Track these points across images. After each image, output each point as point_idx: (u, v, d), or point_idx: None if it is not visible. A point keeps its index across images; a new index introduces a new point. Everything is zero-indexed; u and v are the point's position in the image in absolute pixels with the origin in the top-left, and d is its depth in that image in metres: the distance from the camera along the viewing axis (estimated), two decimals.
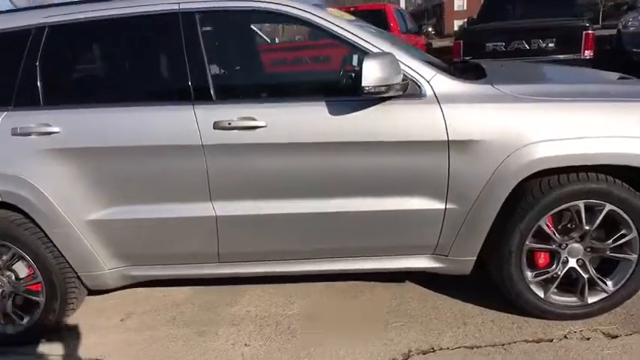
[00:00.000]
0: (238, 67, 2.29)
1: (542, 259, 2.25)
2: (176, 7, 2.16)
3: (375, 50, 2.10)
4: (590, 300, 2.23)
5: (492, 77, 2.31)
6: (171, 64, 2.16)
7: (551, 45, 6.50)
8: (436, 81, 2.11)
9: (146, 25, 2.19)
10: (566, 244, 2.21)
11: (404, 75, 2.07)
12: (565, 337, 2.18)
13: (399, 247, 2.28)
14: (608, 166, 2.06)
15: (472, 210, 2.14)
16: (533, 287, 2.24)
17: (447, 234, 2.21)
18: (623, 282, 2.21)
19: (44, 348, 2.40)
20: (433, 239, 2.22)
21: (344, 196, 2.17)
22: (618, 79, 2.59)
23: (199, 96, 2.14)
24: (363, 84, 1.89)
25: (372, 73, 1.90)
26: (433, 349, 2.18)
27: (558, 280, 2.23)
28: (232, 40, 2.25)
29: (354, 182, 2.15)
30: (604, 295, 2.23)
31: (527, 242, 2.17)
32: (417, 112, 2.07)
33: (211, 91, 2.14)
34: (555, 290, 2.28)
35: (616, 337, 2.16)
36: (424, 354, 2.15)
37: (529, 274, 2.23)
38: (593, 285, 2.23)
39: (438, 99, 2.08)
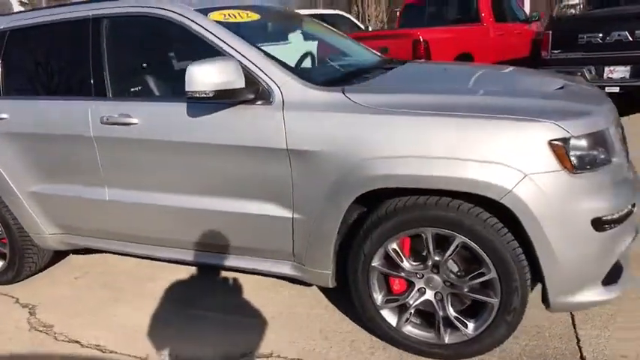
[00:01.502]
0: (129, 67, 2.50)
1: (397, 285, 2.05)
2: (89, 13, 2.47)
3: (237, 55, 2.12)
4: (448, 340, 1.97)
5: (367, 83, 2.14)
6: (82, 63, 2.47)
7: None
8: (287, 87, 2.05)
9: (71, 29, 2.54)
10: (423, 274, 1.98)
11: (256, 79, 2.07)
12: None
13: (261, 251, 2.29)
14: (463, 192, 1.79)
15: (315, 222, 2.05)
16: (385, 313, 2.06)
17: (299, 243, 2.15)
18: (484, 327, 1.90)
19: None
20: (288, 247, 2.19)
21: (204, 194, 2.27)
22: (558, 89, 2.14)
23: (98, 92, 2.43)
24: (186, 89, 1.95)
25: (201, 78, 1.93)
26: (271, 354, 2.17)
27: (410, 310, 2.01)
28: (124, 42, 2.46)
29: (211, 182, 2.23)
30: (464, 338, 1.95)
31: (373, 264, 2.00)
32: (263, 118, 2.05)
33: (106, 89, 2.41)
34: (415, 322, 2.06)
35: None
36: (260, 358, 2.16)
37: (379, 299, 2.05)
38: (451, 324, 1.96)
39: (283, 106, 2.03)
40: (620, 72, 5.57)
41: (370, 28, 8.87)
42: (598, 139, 1.80)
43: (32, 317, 2.66)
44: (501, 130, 1.73)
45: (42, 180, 2.68)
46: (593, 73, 5.74)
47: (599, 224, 1.75)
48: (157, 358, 2.21)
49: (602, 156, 1.83)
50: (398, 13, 9.05)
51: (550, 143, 1.70)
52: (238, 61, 2.07)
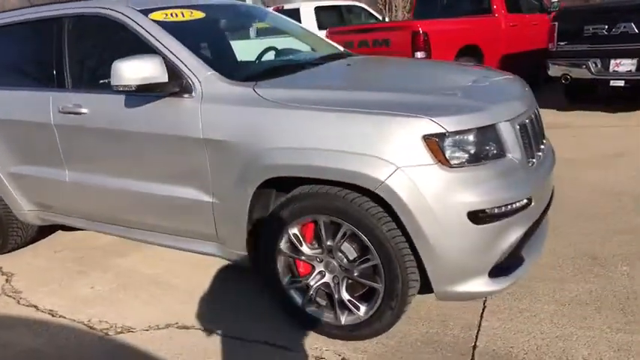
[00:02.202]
0: (83, 61, 2.73)
1: (302, 267, 2.19)
2: (54, 13, 2.73)
3: (166, 52, 2.30)
4: (344, 322, 2.10)
5: (285, 78, 2.28)
6: (48, 57, 2.74)
7: None
8: (206, 81, 2.22)
9: (39, 27, 2.82)
10: (322, 258, 2.11)
11: (181, 74, 2.25)
12: (311, 356, 2.11)
13: (191, 232, 2.48)
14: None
15: (229, 207, 2.22)
16: (291, 293, 2.21)
17: (220, 226, 2.33)
18: (372, 312, 2.02)
19: None
20: (211, 229, 2.36)
21: (140, 179, 2.48)
22: (466, 84, 2.19)
23: (59, 84, 2.69)
24: (112, 83, 2.15)
25: (126, 73, 2.12)
26: (193, 326, 2.37)
27: (311, 291, 2.15)
28: (81, 39, 2.69)
29: (145, 168, 2.45)
30: (358, 320, 2.07)
31: (279, 247, 2.15)
32: (185, 110, 2.23)
33: (66, 81, 2.67)
34: (321, 303, 2.20)
35: None
36: (181, 328, 2.37)
37: (285, 279, 2.20)
38: (347, 307, 2.09)
39: (202, 98, 2.20)
40: (626, 65, 5.36)
41: (387, 19, 8.86)
42: (482, 135, 1.86)
43: (7, 284, 2.99)
44: (378, 124, 1.83)
45: (18, 162, 2.99)
46: (599, 65, 5.56)
47: (476, 217, 1.82)
48: (97, 324, 2.47)
49: (493, 150, 1.89)
50: (412, 4, 8.98)
51: (424, 138, 1.79)
52: (167, 57, 2.26)
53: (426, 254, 1.85)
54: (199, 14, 2.68)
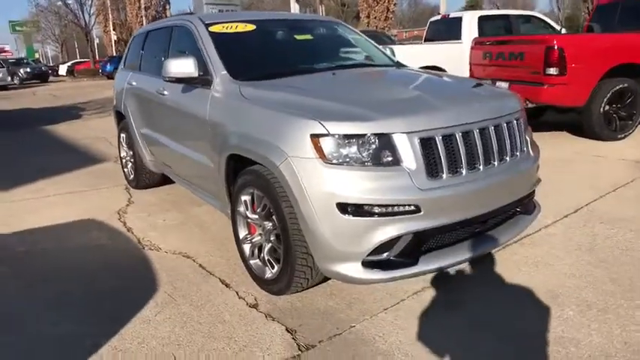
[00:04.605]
0: (173, 57, 3.73)
1: (252, 227, 2.78)
2: (168, 24, 3.89)
3: (205, 54, 3.15)
4: (267, 276, 2.63)
5: (266, 81, 2.88)
6: (162, 53, 3.91)
7: None
8: (220, 78, 2.98)
9: (162, 33, 4.02)
10: (260, 223, 2.67)
11: (210, 71, 3.07)
12: (237, 294, 2.71)
13: (206, 189, 3.30)
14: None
15: (217, 173, 2.95)
16: (243, 246, 2.82)
17: (217, 186, 3.08)
18: (278, 272, 2.50)
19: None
20: (215, 188, 3.12)
21: (184, 145, 3.42)
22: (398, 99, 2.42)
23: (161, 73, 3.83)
24: (162, 75, 3.10)
25: (170, 69, 3.04)
26: (188, 256, 3.20)
27: (251, 246, 2.73)
28: (177, 41, 3.71)
29: (188, 137, 3.37)
30: (273, 277, 2.57)
31: (238, 209, 2.79)
32: (205, 97, 3.04)
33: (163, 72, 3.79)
34: (266, 257, 2.71)
35: (256, 306, 2.55)
36: (177, 254, 3.22)
37: (242, 235, 2.82)
38: (267, 264, 2.61)
39: (214, 90, 2.97)
40: None
41: (563, 31, 8.01)
42: (368, 141, 2.15)
43: (124, 207, 4.35)
44: (285, 122, 2.31)
45: (144, 125, 4.31)
46: None
47: (344, 209, 2.13)
48: (144, 241, 3.52)
49: (386, 157, 2.16)
50: (588, 15, 7.95)
51: (311, 136, 2.19)
52: (205, 58, 3.12)
53: (306, 232, 2.26)
54: (251, 27, 3.46)
